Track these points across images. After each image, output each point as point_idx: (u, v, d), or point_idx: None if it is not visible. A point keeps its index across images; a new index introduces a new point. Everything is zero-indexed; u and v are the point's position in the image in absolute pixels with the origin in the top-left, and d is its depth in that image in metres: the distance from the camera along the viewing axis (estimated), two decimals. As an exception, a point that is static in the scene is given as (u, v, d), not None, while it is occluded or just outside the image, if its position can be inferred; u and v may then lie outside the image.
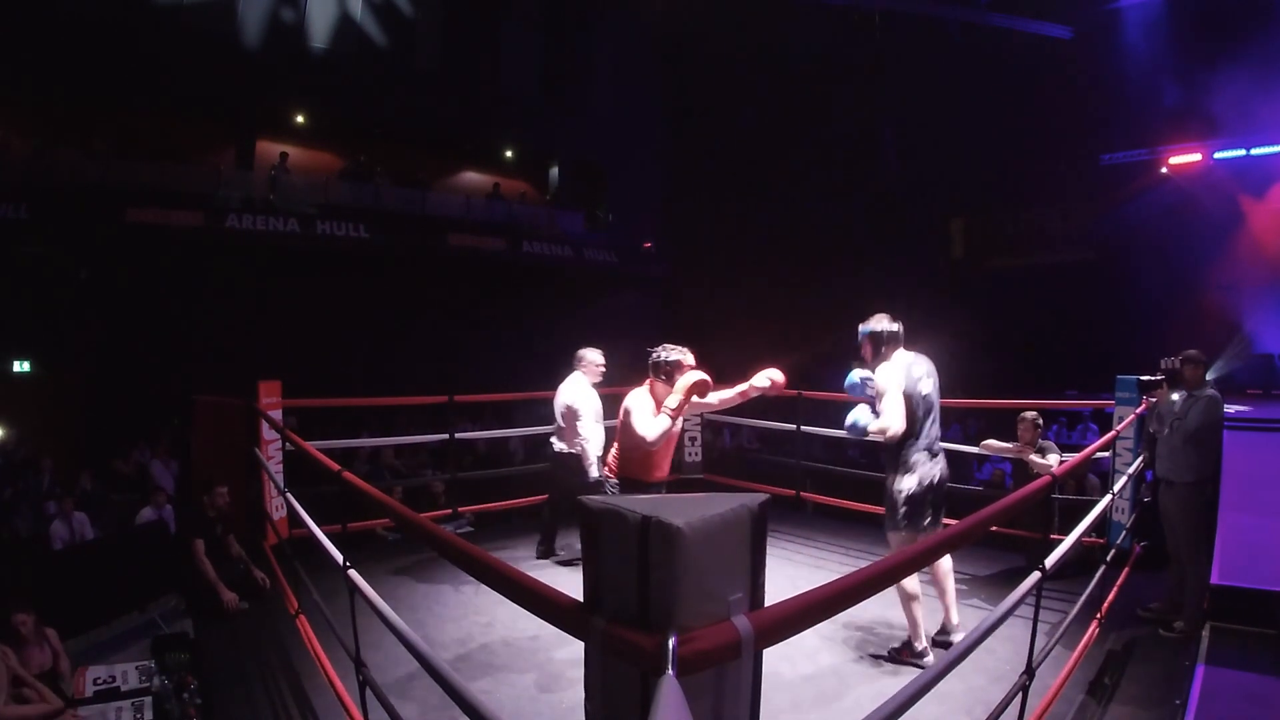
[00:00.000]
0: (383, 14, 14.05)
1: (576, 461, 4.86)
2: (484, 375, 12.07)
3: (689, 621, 1.23)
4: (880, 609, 4.17)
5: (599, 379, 5.10)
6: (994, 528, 4.45)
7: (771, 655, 1.58)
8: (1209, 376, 4.25)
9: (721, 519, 1.36)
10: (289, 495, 3.94)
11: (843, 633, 3.88)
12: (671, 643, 1.13)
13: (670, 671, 1.10)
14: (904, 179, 16.62)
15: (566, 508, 5.05)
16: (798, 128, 16.87)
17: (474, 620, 4.18)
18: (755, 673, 1.39)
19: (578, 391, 4.94)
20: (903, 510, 3.49)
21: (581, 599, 1.44)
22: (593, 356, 5.13)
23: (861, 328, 3.65)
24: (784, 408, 5.86)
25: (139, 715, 3.27)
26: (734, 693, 1.36)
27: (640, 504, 1.37)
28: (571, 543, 5.32)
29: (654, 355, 3.71)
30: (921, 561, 2.04)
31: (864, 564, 1.96)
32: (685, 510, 1.33)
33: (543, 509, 5.49)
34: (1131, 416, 4.69)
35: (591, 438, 4.81)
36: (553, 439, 5.16)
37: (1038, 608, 2.61)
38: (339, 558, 2.66)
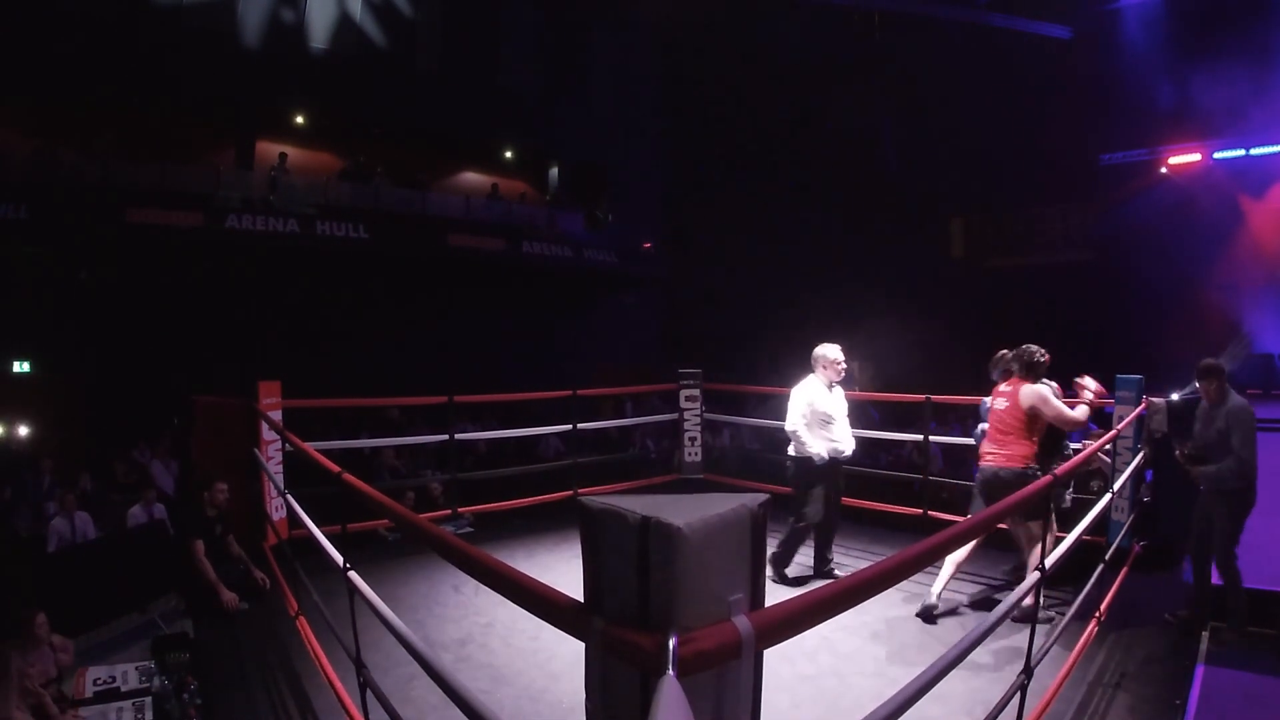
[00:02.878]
0: (383, 14, 14.03)
1: (793, 463, 4.76)
2: (484, 375, 12.07)
3: (689, 622, 1.23)
4: (880, 609, 4.17)
5: (838, 377, 4.78)
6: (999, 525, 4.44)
7: (771, 655, 1.58)
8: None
9: (721, 519, 1.35)
10: (289, 496, 3.95)
11: (843, 633, 3.88)
12: (671, 643, 1.13)
13: (670, 672, 1.10)
14: (904, 178, 16.62)
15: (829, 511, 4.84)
16: (798, 128, 16.87)
17: (474, 620, 4.18)
18: (755, 673, 1.39)
19: (795, 392, 4.77)
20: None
21: (581, 599, 1.44)
22: (831, 355, 4.75)
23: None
24: (782, 407, 5.85)
25: (139, 715, 3.26)
26: (734, 693, 1.35)
27: (640, 504, 1.36)
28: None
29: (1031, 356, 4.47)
30: (925, 560, 2.05)
31: (864, 564, 1.96)
32: (685, 510, 1.32)
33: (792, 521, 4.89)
34: (1131, 416, 4.70)
35: (807, 441, 4.68)
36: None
37: (1038, 607, 2.61)
38: (339, 559, 2.67)
